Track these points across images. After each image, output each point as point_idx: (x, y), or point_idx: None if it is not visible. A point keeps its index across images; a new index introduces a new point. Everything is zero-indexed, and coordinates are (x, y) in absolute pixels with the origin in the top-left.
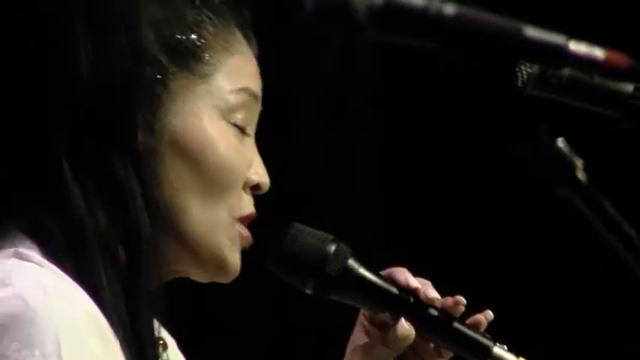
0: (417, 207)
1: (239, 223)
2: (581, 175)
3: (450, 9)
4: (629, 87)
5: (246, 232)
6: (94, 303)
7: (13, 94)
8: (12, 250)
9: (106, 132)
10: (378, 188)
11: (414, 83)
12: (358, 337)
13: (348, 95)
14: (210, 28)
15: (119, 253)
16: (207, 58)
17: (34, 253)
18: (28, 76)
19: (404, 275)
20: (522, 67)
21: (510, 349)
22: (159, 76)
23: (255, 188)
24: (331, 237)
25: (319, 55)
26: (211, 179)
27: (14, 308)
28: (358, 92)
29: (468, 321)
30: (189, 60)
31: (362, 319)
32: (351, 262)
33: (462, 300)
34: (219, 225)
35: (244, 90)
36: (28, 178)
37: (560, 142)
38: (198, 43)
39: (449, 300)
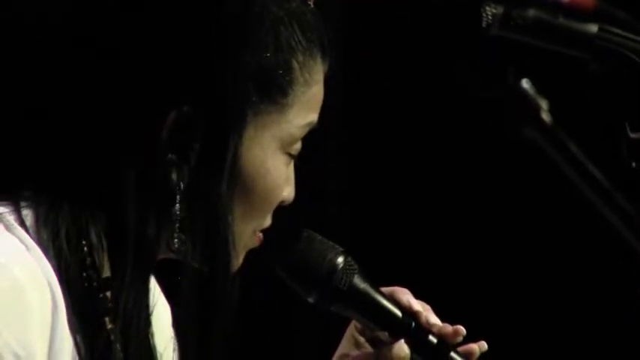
0: (382, 154)
1: (258, 233)
2: (546, 115)
3: None
4: (594, 27)
5: (260, 236)
6: (42, 277)
7: (123, 94)
8: None
9: (193, 145)
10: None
11: (378, 28)
12: (347, 347)
13: None
14: (300, 57)
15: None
16: (289, 92)
17: (11, 216)
18: (140, 77)
19: (406, 297)
20: (487, 8)
21: None
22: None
23: (280, 202)
24: (341, 249)
25: None
26: (254, 205)
27: None
28: None
29: (462, 349)
30: (272, 91)
31: (353, 331)
32: (357, 277)
33: (462, 330)
34: (244, 238)
35: (310, 124)
36: (96, 168)
37: (525, 83)
38: (287, 77)
39: (448, 328)
